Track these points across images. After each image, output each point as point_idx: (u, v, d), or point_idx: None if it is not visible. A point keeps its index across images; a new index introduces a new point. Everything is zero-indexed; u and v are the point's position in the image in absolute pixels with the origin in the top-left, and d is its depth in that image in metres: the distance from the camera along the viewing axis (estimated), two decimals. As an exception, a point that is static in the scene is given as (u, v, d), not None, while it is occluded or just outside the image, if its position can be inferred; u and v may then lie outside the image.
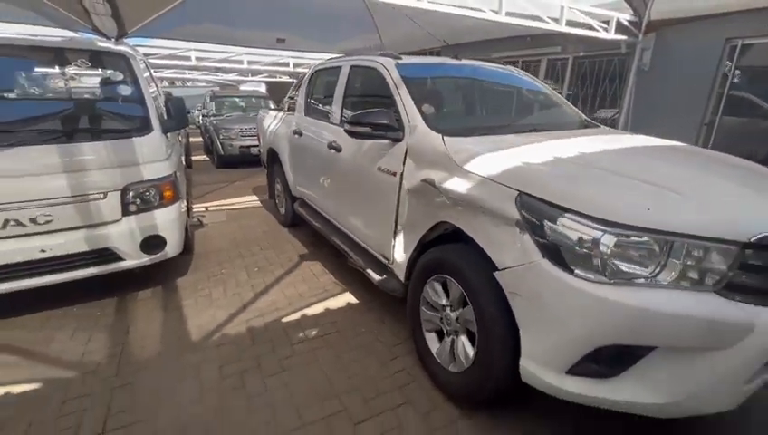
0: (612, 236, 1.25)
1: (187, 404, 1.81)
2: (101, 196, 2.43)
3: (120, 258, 2.55)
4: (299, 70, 10.49)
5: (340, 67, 3.04)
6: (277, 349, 2.20)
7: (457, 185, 1.71)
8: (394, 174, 2.14)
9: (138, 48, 4.98)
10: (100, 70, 2.82)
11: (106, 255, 2.50)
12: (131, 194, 2.53)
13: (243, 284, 2.97)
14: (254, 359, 2.12)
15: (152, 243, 2.63)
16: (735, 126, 4.84)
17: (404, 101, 2.23)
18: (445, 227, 1.84)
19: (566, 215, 1.33)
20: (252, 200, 5.39)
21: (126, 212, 2.53)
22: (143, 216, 2.58)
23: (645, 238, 1.25)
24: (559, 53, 6.61)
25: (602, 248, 1.25)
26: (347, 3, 6.60)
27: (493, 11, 4.22)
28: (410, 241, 2.08)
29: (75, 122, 2.63)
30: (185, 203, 3.16)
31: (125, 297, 2.72)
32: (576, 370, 1.33)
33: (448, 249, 1.83)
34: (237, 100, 9.42)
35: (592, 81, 6.31)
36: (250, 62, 10.32)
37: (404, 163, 2.08)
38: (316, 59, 7.85)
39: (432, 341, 1.96)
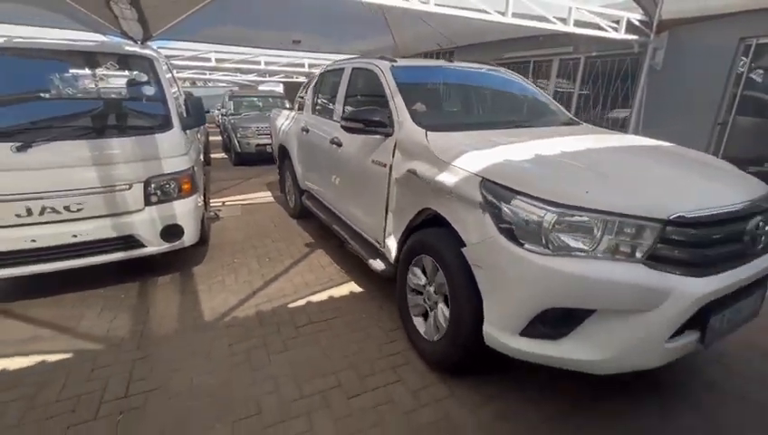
0: (555, 214, 1.45)
1: (199, 375, 2.00)
2: (127, 187, 2.66)
3: (142, 245, 2.78)
4: (313, 70, 10.70)
5: (343, 69, 3.25)
6: (282, 330, 2.38)
7: (436, 174, 1.91)
8: (385, 165, 2.34)
9: (161, 50, 5.28)
10: (126, 72, 3.07)
11: (130, 241, 2.73)
12: (153, 186, 2.74)
13: (254, 272, 3.16)
14: (261, 338, 2.30)
15: (171, 231, 2.85)
16: (749, 126, 4.77)
17: (395, 100, 2.43)
18: (428, 213, 2.03)
19: (518, 197, 1.53)
20: (266, 196, 5.63)
21: (148, 202, 2.75)
22: (163, 206, 2.80)
23: (584, 217, 1.44)
24: (571, 53, 6.58)
25: (545, 225, 1.45)
26: (360, 4, 6.74)
27: (499, 12, 4.25)
28: (399, 227, 2.28)
29: (104, 120, 2.89)
30: (202, 196, 3.37)
31: (146, 282, 2.96)
32: (528, 331, 1.54)
33: (429, 232, 2.03)
34: (255, 99, 9.72)
35: (604, 80, 6.27)
36: (267, 63, 10.62)
37: (393, 156, 2.28)
38: (330, 59, 8.04)
39: (420, 324, 2.15)
